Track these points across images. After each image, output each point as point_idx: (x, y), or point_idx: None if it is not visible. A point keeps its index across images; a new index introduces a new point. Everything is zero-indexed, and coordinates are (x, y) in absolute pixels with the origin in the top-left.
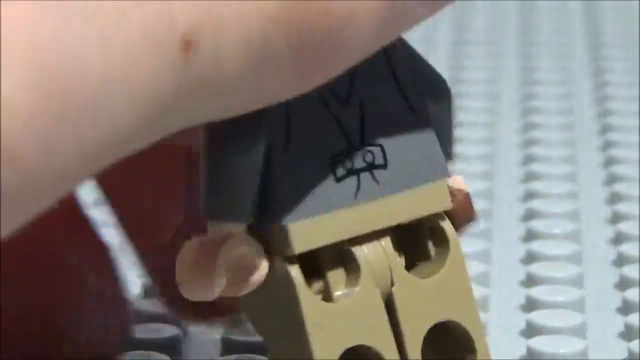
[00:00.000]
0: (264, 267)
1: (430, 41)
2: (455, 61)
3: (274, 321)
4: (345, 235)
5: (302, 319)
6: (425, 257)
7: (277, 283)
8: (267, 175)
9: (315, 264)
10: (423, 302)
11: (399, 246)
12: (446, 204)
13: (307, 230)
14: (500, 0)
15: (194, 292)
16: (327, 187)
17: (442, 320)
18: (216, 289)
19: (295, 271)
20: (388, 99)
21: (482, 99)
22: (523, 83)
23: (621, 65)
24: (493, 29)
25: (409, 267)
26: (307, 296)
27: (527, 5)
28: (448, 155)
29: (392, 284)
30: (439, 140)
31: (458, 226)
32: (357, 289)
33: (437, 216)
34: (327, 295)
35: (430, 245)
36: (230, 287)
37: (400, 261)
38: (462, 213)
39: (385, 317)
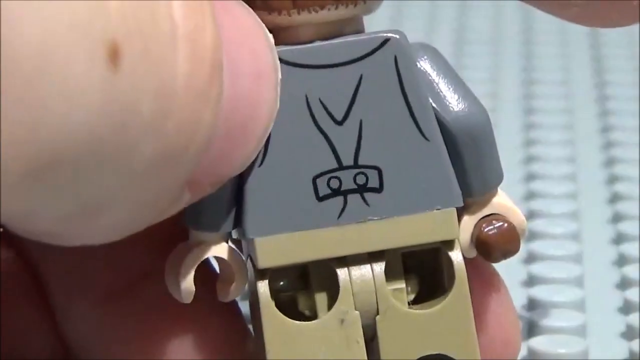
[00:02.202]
0: (241, 278)
1: (430, 41)
2: (456, 61)
3: (257, 329)
4: (324, 256)
5: (263, 333)
6: (442, 288)
7: (255, 294)
8: (240, 189)
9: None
10: (409, 334)
11: (409, 274)
12: (451, 233)
13: (277, 246)
14: (500, 0)
15: (172, 292)
16: (307, 205)
17: (432, 353)
18: (183, 292)
19: (262, 285)
20: (394, 123)
21: (482, 99)
22: (523, 83)
23: (621, 65)
24: (493, 29)
25: (422, 296)
26: (270, 312)
27: (527, 5)
28: (483, 186)
29: (377, 312)
30: (465, 172)
31: (494, 258)
32: (327, 312)
33: (447, 246)
34: (313, 314)
35: (445, 276)
36: (221, 294)
37: (391, 289)
38: (500, 245)
39: (356, 343)
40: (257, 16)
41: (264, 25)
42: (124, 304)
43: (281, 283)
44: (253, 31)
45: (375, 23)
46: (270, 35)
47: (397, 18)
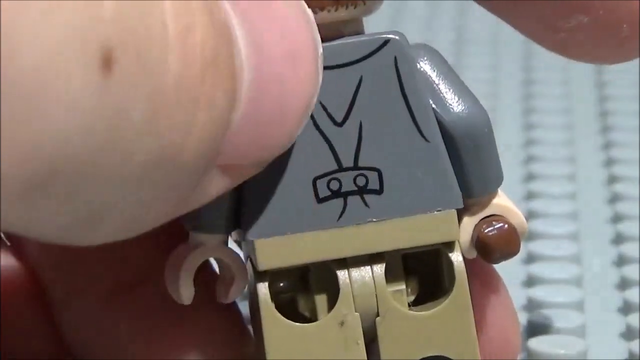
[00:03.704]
0: (241, 279)
1: (430, 41)
2: (455, 61)
3: (257, 330)
4: (324, 257)
5: (262, 335)
6: (442, 289)
7: (255, 295)
8: (240, 190)
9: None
10: (409, 336)
11: (410, 275)
12: (452, 235)
13: (277, 248)
14: None
15: (172, 294)
16: (306, 207)
17: (432, 355)
18: (183, 293)
19: (262, 287)
20: (394, 124)
21: (482, 99)
22: (523, 83)
23: (621, 65)
24: (493, 29)
25: (423, 298)
26: (270, 313)
27: None
28: (484, 187)
29: (378, 314)
30: (466, 173)
31: (494, 259)
32: (327, 313)
33: (448, 248)
34: (314, 315)
35: (446, 277)
36: (221, 295)
37: (391, 291)
38: (500, 246)
39: (356, 345)
40: None
41: (304, 4)
42: (123, 305)
43: (282, 284)
44: (285, 11)
45: (375, 23)
46: (310, 11)
47: (397, 18)
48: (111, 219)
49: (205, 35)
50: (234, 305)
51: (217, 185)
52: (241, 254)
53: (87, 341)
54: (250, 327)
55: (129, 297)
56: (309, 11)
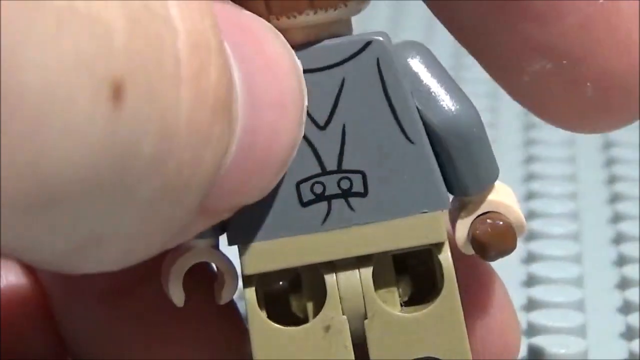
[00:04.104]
0: (231, 282)
1: (430, 41)
2: (455, 61)
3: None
4: (309, 261)
5: (250, 338)
6: (438, 289)
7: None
8: None
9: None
10: (398, 337)
11: (402, 275)
12: (438, 236)
13: (262, 253)
14: None
15: (168, 296)
16: (290, 211)
17: (422, 356)
18: (173, 296)
19: (248, 292)
20: (378, 126)
21: (482, 98)
22: None
23: None
24: None
25: (420, 297)
26: (257, 317)
27: None
28: (478, 185)
29: (366, 316)
30: (458, 173)
31: (490, 256)
32: (313, 317)
33: (437, 249)
34: (305, 317)
35: (438, 277)
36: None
37: (382, 292)
38: (496, 243)
39: (344, 348)
40: (284, 39)
41: (291, 49)
42: (123, 305)
43: (275, 286)
44: (278, 59)
45: (375, 23)
46: (299, 62)
47: (397, 18)
48: (106, 249)
49: (220, 76)
50: (233, 305)
51: (197, 227)
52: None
53: (87, 341)
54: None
55: (128, 298)
56: (299, 62)
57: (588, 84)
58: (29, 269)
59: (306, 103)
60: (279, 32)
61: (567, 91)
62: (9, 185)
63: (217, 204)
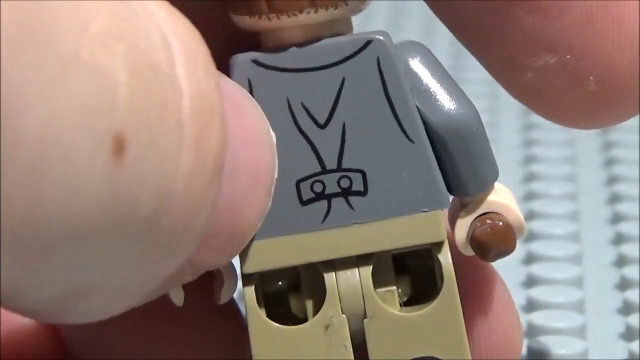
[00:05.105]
0: (230, 282)
1: (430, 41)
2: (455, 61)
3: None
4: (309, 260)
5: (250, 337)
6: (438, 289)
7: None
8: None
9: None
10: (397, 337)
11: (402, 275)
12: (438, 236)
13: (261, 251)
14: None
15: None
16: (290, 210)
17: (421, 356)
18: (173, 296)
19: (248, 291)
20: (378, 125)
21: (482, 99)
22: None
23: None
24: None
25: (420, 297)
26: (256, 316)
27: None
28: (477, 185)
29: (365, 316)
30: (458, 173)
31: (490, 257)
32: (314, 316)
33: (436, 248)
34: (304, 316)
35: (438, 277)
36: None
37: (381, 291)
38: (495, 244)
39: (343, 347)
40: (263, 115)
41: (267, 121)
42: None
43: (275, 285)
44: (257, 130)
45: (375, 23)
46: (273, 134)
47: (397, 18)
48: (99, 296)
49: (220, 141)
50: (233, 305)
51: (185, 277)
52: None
53: (87, 341)
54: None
55: None
56: (273, 134)
57: (591, 77)
58: None
59: (276, 176)
60: (256, 102)
61: (569, 86)
62: (5, 222)
63: (192, 264)
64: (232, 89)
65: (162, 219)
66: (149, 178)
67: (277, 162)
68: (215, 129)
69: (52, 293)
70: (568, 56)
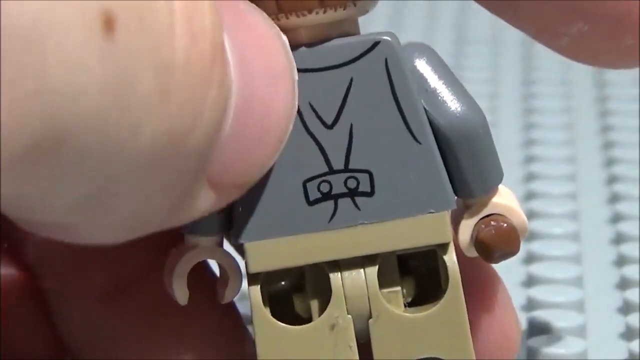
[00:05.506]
0: (235, 281)
1: (430, 41)
2: (455, 61)
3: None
4: (315, 260)
5: (254, 336)
6: (442, 290)
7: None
8: None
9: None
10: (402, 337)
11: (407, 276)
12: (444, 237)
13: (267, 251)
14: None
15: (171, 295)
16: (297, 210)
17: (425, 357)
18: (177, 294)
19: (253, 290)
20: (385, 126)
21: (482, 98)
22: (523, 83)
23: None
24: (493, 29)
25: (424, 298)
26: (261, 316)
27: None
28: (482, 187)
29: (370, 316)
30: (464, 174)
31: (493, 258)
32: (319, 316)
33: (442, 249)
34: (309, 316)
35: (442, 278)
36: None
37: (386, 292)
38: (499, 245)
39: (348, 348)
40: (272, 22)
41: (279, 30)
42: (122, 304)
43: (279, 285)
44: (267, 34)
45: (375, 23)
46: (286, 39)
47: (397, 18)
48: (121, 202)
49: (214, 23)
50: (234, 305)
51: (205, 201)
52: (241, 256)
53: (86, 341)
54: (250, 328)
55: (128, 298)
56: (286, 40)
57: (627, 35)
58: (29, 270)
59: (296, 78)
60: (266, 15)
61: (606, 45)
62: (8, 119)
63: (221, 177)
64: (238, 1)
65: (168, 99)
66: (143, 54)
67: (295, 69)
68: (207, 11)
69: (70, 197)
70: (601, 21)
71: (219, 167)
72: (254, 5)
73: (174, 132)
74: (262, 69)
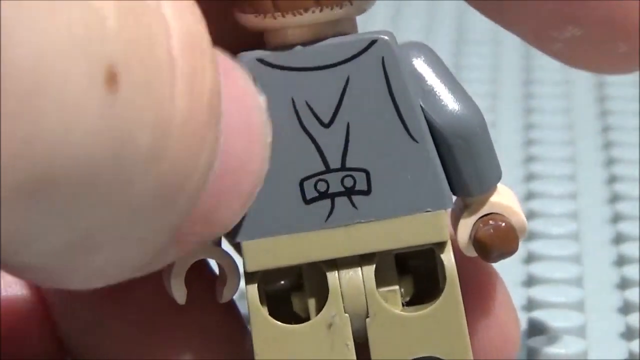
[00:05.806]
0: (233, 280)
1: (430, 41)
2: (455, 61)
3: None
4: (312, 259)
5: (252, 336)
6: (440, 289)
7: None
8: None
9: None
10: (399, 336)
11: (404, 275)
12: (441, 236)
13: (264, 250)
14: None
15: (170, 293)
16: (294, 208)
17: (423, 356)
18: (175, 293)
19: (251, 289)
20: (382, 125)
21: (482, 98)
22: (523, 83)
23: None
24: (493, 29)
25: (422, 297)
26: (258, 314)
27: None
28: (480, 186)
29: (367, 315)
30: (461, 173)
31: (492, 258)
32: (316, 315)
33: (439, 248)
34: (307, 315)
35: (440, 277)
36: (217, 294)
37: (383, 291)
38: (497, 245)
39: (345, 346)
40: (250, 80)
41: (254, 86)
42: (122, 304)
43: (277, 284)
44: (247, 91)
45: (375, 23)
46: (262, 98)
47: (397, 18)
48: (103, 249)
49: (214, 82)
50: (233, 305)
51: (172, 255)
52: (240, 255)
53: (87, 342)
54: (249, 327)
55: (128, 297)
56: (262, 99)
57: (620, 42)
58: None
59: (269, 140)
60: (243, 69)
61: (600, 51)
62: (5, 164)
63: (189, 232)
64: (219, 55)
65: (162, 157)
66: (144, 113)
67: (268, 122)
68: (207, 68)
69: (54, 241)
70: (593, 26)
71: (189, 224)
72: (235, 60)
73: (164, 191)
74: (241, 125)
